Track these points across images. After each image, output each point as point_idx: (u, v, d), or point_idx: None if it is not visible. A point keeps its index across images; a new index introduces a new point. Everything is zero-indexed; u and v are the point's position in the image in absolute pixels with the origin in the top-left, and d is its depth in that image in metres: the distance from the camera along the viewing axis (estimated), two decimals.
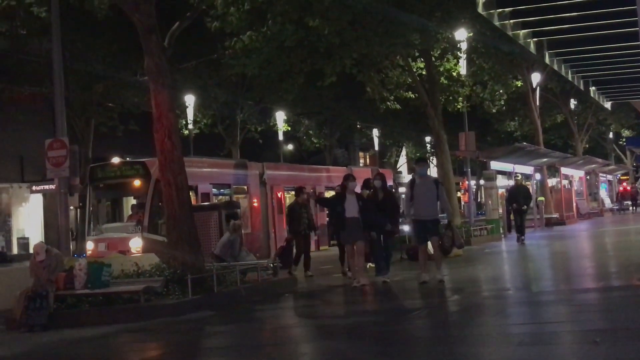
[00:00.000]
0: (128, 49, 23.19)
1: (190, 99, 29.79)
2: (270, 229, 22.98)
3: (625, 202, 45.70)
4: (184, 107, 29.52)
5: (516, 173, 24.59)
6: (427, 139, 44.85)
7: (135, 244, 17.85)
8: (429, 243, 12.72)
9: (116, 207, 21.58)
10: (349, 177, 13.32)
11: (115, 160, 21.82)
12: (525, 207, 21.62)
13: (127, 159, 22.78)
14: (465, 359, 6.40)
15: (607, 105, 29.34)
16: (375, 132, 45.63)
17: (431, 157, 48.37)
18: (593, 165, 40.85)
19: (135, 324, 10.04)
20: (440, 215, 13.41)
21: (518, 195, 21.30)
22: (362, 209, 13.12)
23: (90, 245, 19.09)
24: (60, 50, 14.74)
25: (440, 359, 6.47)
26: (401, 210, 15.15)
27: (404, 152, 53.27)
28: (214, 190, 21.15)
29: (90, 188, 19.88)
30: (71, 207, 20.25)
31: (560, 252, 18.33)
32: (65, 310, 10.72)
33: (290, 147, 43.92)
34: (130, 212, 20.68)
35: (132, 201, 21.10)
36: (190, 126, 30.39)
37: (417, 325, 8.70)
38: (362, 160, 54.40)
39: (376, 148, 47.94)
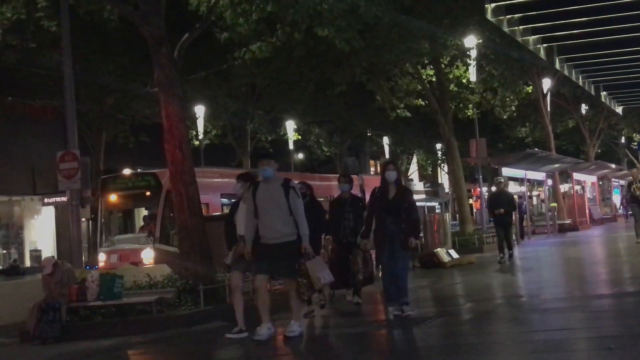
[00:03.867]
0: (138, 60, 23.29)
1: (200, 110, 29.87)
2: None
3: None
4: (194, 118, 29.60)
5: (498, 177, 21.72)
6: (438, 146, 44.77)
7: (147, 255, 17.90)
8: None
9: (128, 218, 21.65)
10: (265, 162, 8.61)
11: (127, 171, 21.92)
12: (507, 213, 18.15)
13: (138, 170, 22.87)
14: None
15: (619, 109, 29.15)
16: (386, 140, 45.59)
17: (442, 165, 48.31)
18: (605, 171, 40.64)
19: (148, 335, 10.04)
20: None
21: (500, 203, 18.00)
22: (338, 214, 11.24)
23: (102, 257, 19.15)
24: (70, 63, 14.81)
25: None
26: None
27: (414, 160, 53.19)
28: (225, 200, 21.16)
29: (102, 200, 19.95)
30: (83, 219, 20.31)
31: (573, 258, 18.22)
32: (78, 322, 10.74)
33: (300, 156, 43.93)
34: (141, 223, 20.74)
35: (144, 212, 21.15)
36: (201, 137, 30.46)
37: (429, 334, 8.65)
38: (372, 169, 54.34)
39: (387, 156, 47.87)
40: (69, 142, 14.63)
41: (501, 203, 17.80)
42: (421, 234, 19.39)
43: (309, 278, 8.42)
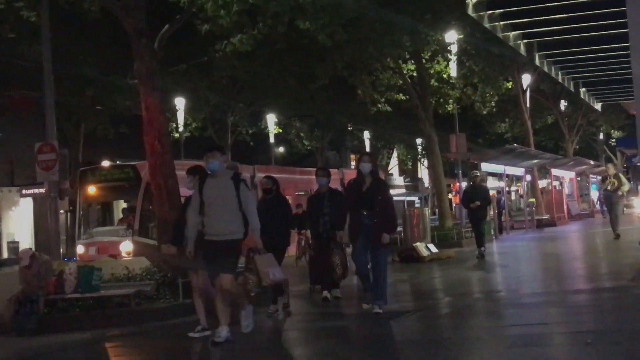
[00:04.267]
0: (119, 52, 23.12)
1: (180, 102, 29.74)
2: None
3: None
4: (174, 110, 29.47)
5: (475, 171, 21.00)
6: (418, 140, 44.91)
7: (126, 247, 17.82)
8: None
9: (106, 210, 21.54)
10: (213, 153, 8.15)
11: (106, 163, 21.79)
12: (481, 207, 17.63)
13: (118, 162, 22.74)
14: None
15: (598, 106, 29.40)
16: (367, 134, 45.65)
17: (422, 159, 48.45)
18: (584, 167, 40.96)
19: (126, 328, 10.00)
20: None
21: (475, 197, 17.50)
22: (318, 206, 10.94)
23: (80, 249, 19.04)
24: (50, 54, 14.69)
25: None
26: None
27: (395, 154, 53.32)
28: None
29: (81, 192, 19.82)
30: (61, 211, 20.20)
31: (551, 254, 18.35)
32: (55, 314, 10.66)
33: (281, 149, 43.88)
34: (120, 216, 20.64)
35: (123, 205, 21.05)
36: (181, 129, 30.33)
37: (408, 328, 8.69)
38: (353, 163, 54.42)
39: (367, 150, 47.94)
40: (48, 133, 14.52)
41: (476, 197, 17.40)
42: (400, 228, 19.31)
43: (258, 274, 8.13)
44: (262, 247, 8.19)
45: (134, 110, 24.63)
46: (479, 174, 18.90)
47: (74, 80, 25.28)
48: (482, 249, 17.32)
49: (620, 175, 20.28)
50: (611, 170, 20.23)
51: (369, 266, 9.44)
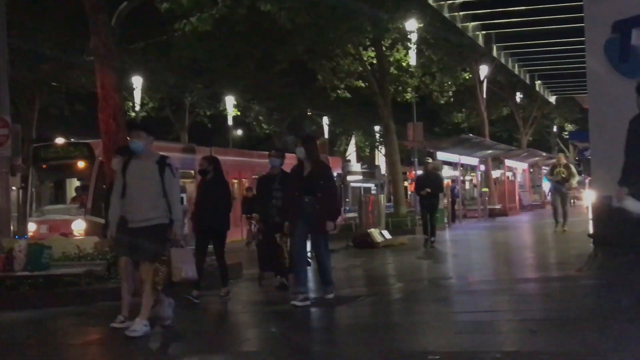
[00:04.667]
0: (75, 28, 22.74)
1: (138, 81, 29.35)
2: None
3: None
4: (131, 89, 29.08)
5: (428, 158, 20.47)
6: (377, 128, 45.11)
7: (78, 226, 17.61)
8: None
9: (59, 188, 21.23)
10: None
11: (60, 140, 21.45)
12: (433, 195, 17.16)
13: (72, 140, 22.42)
14: (403, 346, 6.47)
15: (552, 99, 29.90)
16: (326, 120, 45.68)
17: (380, 147, 48.68)
18: (536, 159, 41.60)
19: (76, 307, 9.90)
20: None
21: (428, 184, 17.07)
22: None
23: (31, 227, 18.76)
24: (4, 29, 14.35)
25: (379, 346, 6.53)
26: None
27: (353, 141, 53.49)
28: None
29: (33, 169, 19.51)
30: (13, 188, 19.86)
31: (502, 243, 18.65)
32: (3, 292, 10.50)
33: (239, 132, 43.68)
34: (73, 194, 20.37)
35: (76, 183, 20.77)
36: (138, 108, 29.99)
37: (358, 313, 8.76)
38: None
39: (326, 136, 47.96)
40: (1, 108, 14.21)
41: (429, 185, 17.00)
42: (355, 214, 19.28)
43: (170, 267, 7.34)
44: (181, 241, 7.57)
45: (90, 88, 24.29)
46: (431, 161, 18.58)
47: (29, 55, 24.79)
48: (432, 239, 16.88)
49: (571, 165, 19.69)
50: (562, 160, 19.59)
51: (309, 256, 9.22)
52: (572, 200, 21.23)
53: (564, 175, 18.69)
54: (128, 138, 7.59)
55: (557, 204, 19.01)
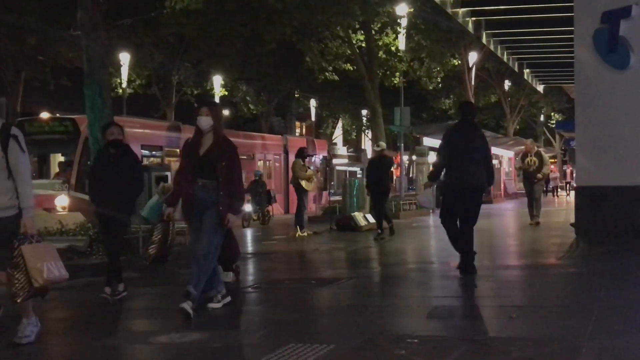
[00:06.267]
0: (62, 1, 22.54)
1: (125, 58, 29.15)
2: None
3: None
4: (118, 66, 28.90)
5: (379, 141, 18.39)
6: (364, 112, 45.12)
7: (61, 201, 17.52)
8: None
9: (43, 163, 21.11)
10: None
11: (45, 115, 21.31)
12: (382, 181, 15.55)
13: (57, 114, 22.28)
14: (382, 329, 6.49)
15: (540, 88, 29.95)
16: (313, 103, 45.62)
17: (366, 130, 48.68)
18: (522, 147, 41.67)
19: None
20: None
21: (379, 170, 15.57)
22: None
23: None
24: None
25: (357, 328, 6.55)
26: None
27: (340, 124, 53.46)
28: (145, 152, 20.85)
29: None
30: None
31: (485, 230, 18.64)
32: None
33: (226, 112, 43.51)
34: (57, 169, 20.26)
35: (60, 158, 20.67)
36: (124, 85, 29.80)
37: (341, 295, 8.79)
38: (298, 130, 54.39)
39: (313, 118, 47.92)
40: None
41: (375, 170, 15.71)
42: (339, 197, 19.04)
43: (27, 271, 5.73)
44: (35, 233, 5.99)
45: (77, 63, 24.11)
46: (383, 145, 16.78)
47: (15, 27, 24.56)
48: (379, 231, 15.35)
49: (542, 153, 18.44)
50: (532, 147, 18.19)
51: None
52: (543, 191, 20.54)
53: (536, 165, 17.49)
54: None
55: (530, 197, 17.88)
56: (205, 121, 7.23)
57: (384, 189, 15.68)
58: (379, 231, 15.37)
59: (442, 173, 9.19)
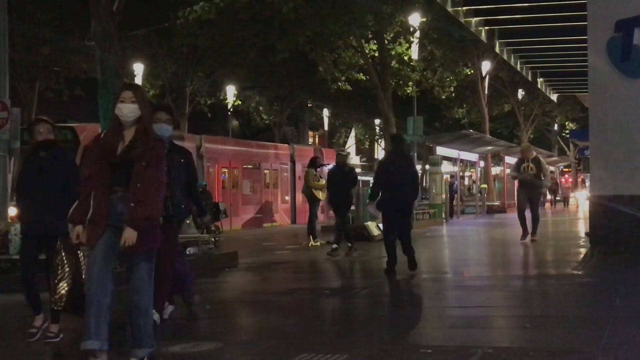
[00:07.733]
0: (77, 12, 22.69)
1: (139, 68, 29.31)
2: None
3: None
4: (132, 76, 29.03)
5: (342, 149, 16.70)
6: (377, 121, 45.09)
7: None
8: None
9: None
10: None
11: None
12: (345, 192, 14.36)
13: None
14: (395, 339, 6.46)
15: (554, 97, 29.86)
16: (326, 112, 45.62)
17: (379, 140, 48.65)
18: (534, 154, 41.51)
19: None
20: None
21: (344, 180, 14.33)
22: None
23: (12, 212, 18.73)
24: (5, 11, 14.32)
25: (371, 338, 6.52)
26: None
27: (353, 134, 53.44)
28: None
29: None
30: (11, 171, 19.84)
31: (499, 239, 18.63)
32: None
33: (237, 122, 43.62)
34: None
35: None
36: None
37: (354, 304, 8.77)
38: (310, 139, 54.41)
39: (325, 128, 47.93)
40: (0, 91, 14.19)
41: (337, 181, 14.43)
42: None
43: None
44: None
45: (90, 73, 24.25)
46: (345, 153, 15.78)
47: (30, 38, 24.76)
48: (335, 246, 14.10)
49: (541, 159, 16.24)
50: (530, 153, 15.94)
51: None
52: (543, 202, 19.53)
53: (533, 172, 15.33)
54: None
55: (524, 208, 15.65)
56: (128, 109, 5.34)
57: (343, 199, 14.46)
58: (334, 246, 14.19)
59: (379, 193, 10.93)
